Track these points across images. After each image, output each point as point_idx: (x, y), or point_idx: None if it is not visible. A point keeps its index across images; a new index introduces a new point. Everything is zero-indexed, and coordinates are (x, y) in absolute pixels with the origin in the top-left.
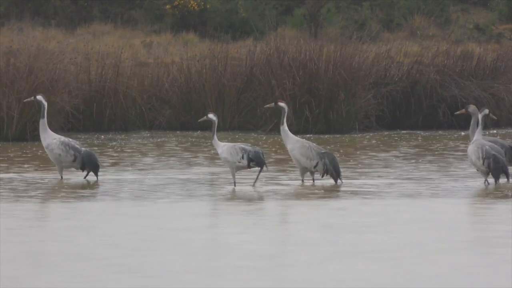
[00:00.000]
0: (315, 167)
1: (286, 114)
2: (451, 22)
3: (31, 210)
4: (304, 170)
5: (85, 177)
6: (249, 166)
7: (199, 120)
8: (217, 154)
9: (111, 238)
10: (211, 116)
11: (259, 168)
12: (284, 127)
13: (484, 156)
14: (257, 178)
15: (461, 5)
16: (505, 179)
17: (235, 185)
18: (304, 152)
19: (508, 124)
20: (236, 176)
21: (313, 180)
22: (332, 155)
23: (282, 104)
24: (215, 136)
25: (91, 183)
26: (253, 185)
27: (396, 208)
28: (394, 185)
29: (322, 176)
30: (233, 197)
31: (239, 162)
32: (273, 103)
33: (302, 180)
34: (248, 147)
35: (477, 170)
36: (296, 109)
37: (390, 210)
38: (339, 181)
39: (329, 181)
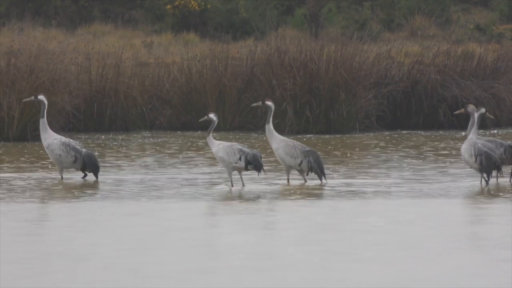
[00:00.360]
0: (299, 165)
1: (272, 113)
2: (451, 22)
3: (31, 210)
4: (289, 169)
5: (82, 177)
6: (246, 169)
7: (200, 120)
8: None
9: (111, 238)
10: (212, 116)
11: (257, 172)
12: (270, 126)
13: (476, 153)
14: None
15: (461, 5)
16: (503, 178)
17: (232, 185)
18: (288, 151)
19: (509, 124)
20: (232, 176)
21: (305, 180)
22: (316, 153)
23: (269, 103)
24: (210, 135)
25: (91, 183)
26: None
27: (396, 208)
28: (395, 185)
29: (307, 174)
30: (233, 197)
31: (236, 163)
32: (260, 102)
33: (288, 180)
34: (246, 149)
35: (471, 168)
36: (297, 109)
37: (390, 210)
38: (323, 179)
39: (327, 182)
